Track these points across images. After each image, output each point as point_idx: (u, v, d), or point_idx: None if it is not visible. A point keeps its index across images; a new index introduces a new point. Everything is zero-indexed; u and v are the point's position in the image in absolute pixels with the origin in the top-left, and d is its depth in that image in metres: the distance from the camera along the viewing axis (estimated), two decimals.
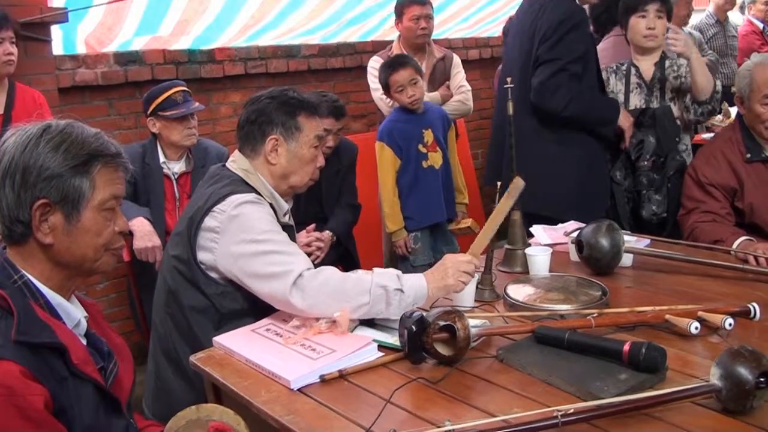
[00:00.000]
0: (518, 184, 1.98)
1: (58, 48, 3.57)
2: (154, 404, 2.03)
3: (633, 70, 3.09)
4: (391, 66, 3.35)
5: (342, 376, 1.58)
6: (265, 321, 1.88)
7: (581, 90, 2.87)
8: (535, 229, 2.53)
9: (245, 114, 2.08)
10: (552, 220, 2.64)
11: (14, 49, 2.93)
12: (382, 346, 1.70)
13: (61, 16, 3.33)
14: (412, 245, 3.45)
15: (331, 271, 1.83)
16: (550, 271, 2.17)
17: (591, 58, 2.96)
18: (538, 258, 2.17)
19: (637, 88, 3.08)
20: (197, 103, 3.12)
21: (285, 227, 2.01)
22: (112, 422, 1.35)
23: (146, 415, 1.97)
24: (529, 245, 2.31)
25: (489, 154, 3.46)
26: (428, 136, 3.42)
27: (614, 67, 3.14)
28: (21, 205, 1.30)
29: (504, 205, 1.97)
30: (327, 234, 3.13)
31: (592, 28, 4.01)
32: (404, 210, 3.43)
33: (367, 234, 3.71)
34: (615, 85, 3.12)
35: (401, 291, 1.79)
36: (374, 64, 3.97)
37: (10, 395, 1.14)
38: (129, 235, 2.81)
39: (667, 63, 3.07)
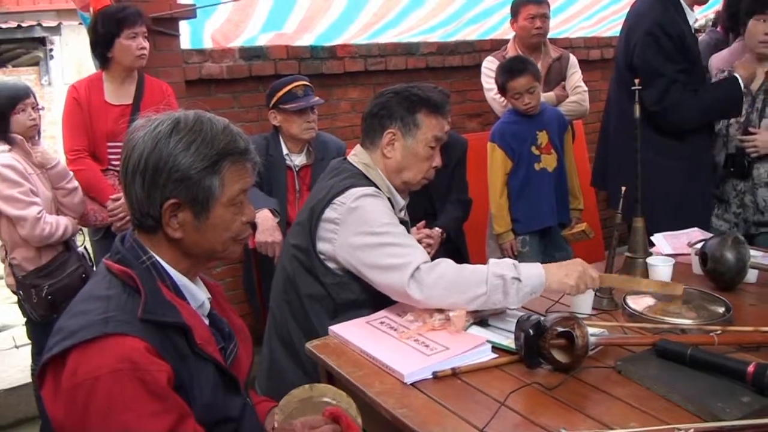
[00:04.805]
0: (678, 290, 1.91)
1: (185, 42, 3.73)
2: (267, 384, 2.11)
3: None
4: (510, 71, 3.26)
5: (455, 374, 1.59)
6: (379, 314, 1.92)
7: (691, 96, 2.82)
8: (657, 237, 2.45)
9: (369, 107, 2.12)
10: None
11: (147, 44, 3.09)
12: (495, 348, 1.70)
13: (190, 13, 3.51)
14: (519, 248, 3.38)
15: (447, 264, 1.84)
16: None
17: (694, 59, 2.88)
18: (660, 268, 2.10)
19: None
20: (317, 98, 3.19)
21: (401, 222, 2.03)
22: (229, 400, 1.39)
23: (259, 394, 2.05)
24: (650, 254, 2.24)
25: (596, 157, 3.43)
26: (543, 137, 3.35)
27: (722, 73, 2.96)
28: (151, 203, 1.32)
29: (651, 284, 1.94)
30: (436, 231, 3.12)
31: (721, 27, 3.84)
32: (513, 212, 3.37)
33: (477, 231, 3.69)
34: None
35: (518, 280, 1.78)
36: (488, 64, 3.94)
37: (134, 369, 1.18)
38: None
39: None
